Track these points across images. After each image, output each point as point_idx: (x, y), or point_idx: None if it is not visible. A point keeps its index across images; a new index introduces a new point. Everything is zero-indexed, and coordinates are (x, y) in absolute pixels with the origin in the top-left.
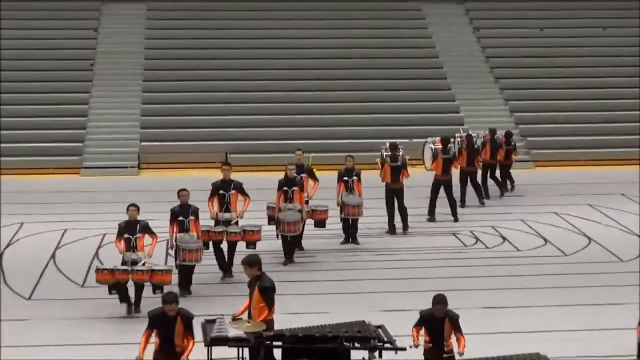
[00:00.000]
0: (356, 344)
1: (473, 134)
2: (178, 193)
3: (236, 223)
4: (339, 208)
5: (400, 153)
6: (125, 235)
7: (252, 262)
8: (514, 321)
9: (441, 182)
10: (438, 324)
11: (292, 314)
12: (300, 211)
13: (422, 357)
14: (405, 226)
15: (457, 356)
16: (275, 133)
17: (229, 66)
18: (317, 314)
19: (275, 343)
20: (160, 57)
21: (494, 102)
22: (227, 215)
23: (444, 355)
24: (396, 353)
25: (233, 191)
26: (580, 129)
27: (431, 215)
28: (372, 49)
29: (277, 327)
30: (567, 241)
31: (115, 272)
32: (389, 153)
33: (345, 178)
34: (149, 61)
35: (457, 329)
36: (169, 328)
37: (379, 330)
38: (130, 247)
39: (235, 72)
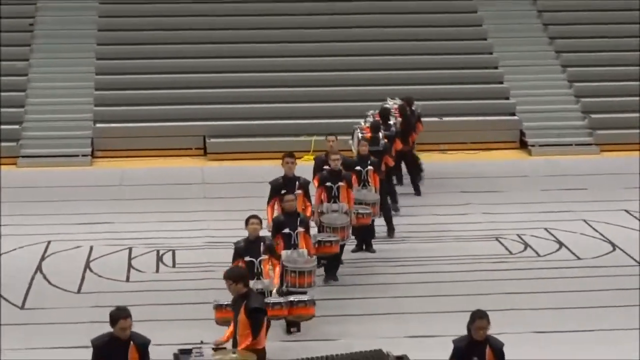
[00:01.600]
0: None
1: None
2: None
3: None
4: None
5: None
6: (247, 259)
7: (238, 277)
8: (576, 350)
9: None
10: (478, 352)
11: (293, 341)
12: (348, 213)
13: None
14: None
15: None
16: (268, 110)
17: (211, 24)
18: (325, 341)
19: None
20: (119, 13)
21: (548, 68)
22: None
23: None
24: None
25: (299, 191)
26: None
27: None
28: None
29: (271, 357)
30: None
31: None
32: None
33: (358, 168)
34: (105, 19)
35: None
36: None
37: None
38: (255, 273)
39: (218, 32)
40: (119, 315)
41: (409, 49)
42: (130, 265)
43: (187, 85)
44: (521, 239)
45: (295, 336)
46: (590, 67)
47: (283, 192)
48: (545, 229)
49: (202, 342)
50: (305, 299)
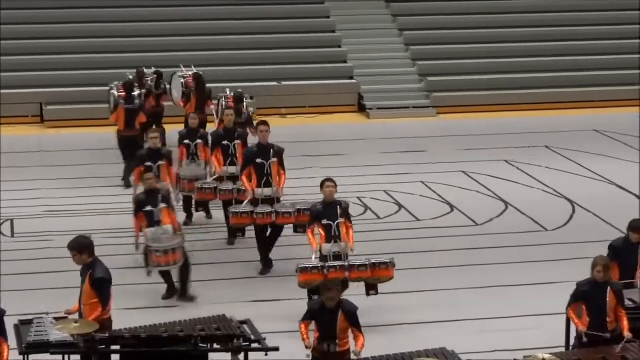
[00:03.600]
0: (215, 345)
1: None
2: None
3: (278, 200)
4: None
5: (245, 106)
6: (324, 222)
7: (82, 247)
8: (417, 309)
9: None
10: (330, 317)
11: (135, 309)
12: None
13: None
14: None
15: (352, 356)
16: (105, 77)
17: None
18: (166, 308)
19: (112, 347)
20: None
21: (385, 31)
22: (267, 190)
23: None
24: (266, 354)
25: (274, 159)
26: (493, 65)
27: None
28: None
29: (115, 326)
30: (479, 207)
31: (328, 270)
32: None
33: (187, 141)
34: None
35: (354, 324)
36: None
37: (244, 326)
38: (332, 236)
39: None
40: None
41: (244, 14)
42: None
43: (22, 52)
44: (361, 201)
45: (135, 303)
46: (426, 30)
47: (258, 160)
48: (385, 191)
49: (47, 313)
50: (387, 261)
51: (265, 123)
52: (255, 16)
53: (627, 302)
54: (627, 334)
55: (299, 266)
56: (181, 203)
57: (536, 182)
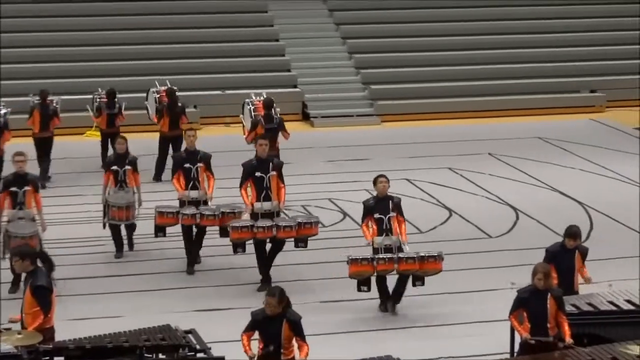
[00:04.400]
0: (160, 355)
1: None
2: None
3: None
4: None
5: (275, 110)
6: (376, 216)
7: (24, 254)
8: (362, 316)
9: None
10: (274, 327)
11: (79, 319)
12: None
13: None
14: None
15: None
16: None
17: None
18: (111, 318)
19: (55, 358)
20: None
21: (328, 40)
22: (266, 204)
23: None
24: None
25: (273, 172)
26: (436, 73)
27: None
28: None
29: (58, 337)
30: (423, 215)
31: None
32: None
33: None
34: None
35: (298, 334)
36: None
37: (189, 336)
38: (384, 229)
39: None
40: None
41: (188, 22)
42: None
43: None
44: (306, 210)
45: (78, 313)
46: (369, 38)
47: (257, 174)
48: (330, 199)
49: None
50: (435, 254)
51: (264, 137)
52: (199, 25)
53: (570, 308)
54: (568, 340)
55: (350, 257)
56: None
57: (480, 190)
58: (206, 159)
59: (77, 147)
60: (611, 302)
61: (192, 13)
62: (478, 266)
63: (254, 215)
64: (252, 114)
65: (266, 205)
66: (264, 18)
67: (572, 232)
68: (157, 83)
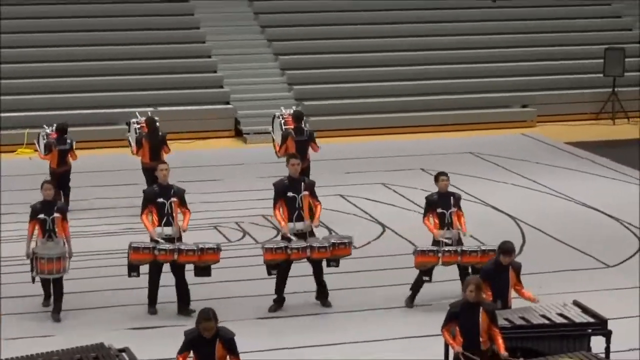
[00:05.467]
0: None
1: None
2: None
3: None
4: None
5: (305, 123)
6: (439, 210)
7: None
8: (287, 332)
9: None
10: (208, 346)
11: (11, 339)
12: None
13: None
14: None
15: None
16: None
17: None
18: (43, 337)
19: None
20: None
21: (261, 56)
22: (299, 224)
23: None
24: None
25: (306, 192)
26: (368, 89)
27: None
28: None
29: None
30: (357, 231)
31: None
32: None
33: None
34: None
35: (232, 352)
36: None
37: (123, 354)
38: (445, 223)
39: None
40: None
41: (119, 39)
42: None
43: None
44: (239, 226)
45: (17, 334)
46: (302, 54)
47: (289, 194)
48: (263, 215)
49: None
50: (493, 248)
51: (295, 156)
52: (130, 42)
53: (504, 322)
54: (503, 354)
55: (417, 249)
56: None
57: (413, 205)
58: (180, 193)
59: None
60: (544, 316)
61: (122, 30)
62: (411, 281)
63: (287, 236)
64: (282, 127)
65: (299, 225)
66: (196, 34)
67: (507, 249)
68: (137, 114)
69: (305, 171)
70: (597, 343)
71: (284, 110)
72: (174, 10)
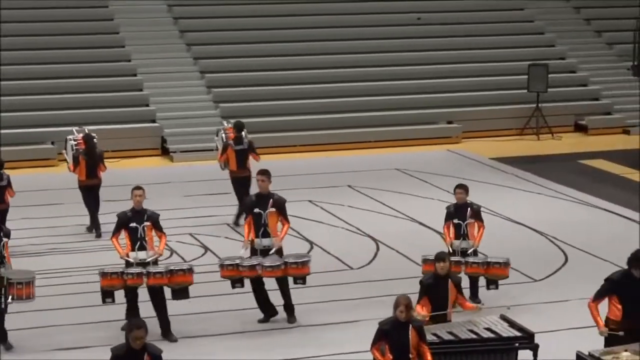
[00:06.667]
0: None
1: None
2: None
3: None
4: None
5: (245, 133)
6: (455, 221)
7: None
8: (218, 352)
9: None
10: None
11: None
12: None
13: None
14: None
15: None
16: None
17: None
18: None
19: None
20: None
21: (186, 74)
22: (265, 241)
23: None
24: None
25: (271, 209)
26: (295, 106)
27: None
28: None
29: None
30: (284, 248)
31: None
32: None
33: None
34: None
35: None
36: None
37: None
38: (461, 234)
39: None
40: None
41: (45, 58)
42: None
43: None
44: (167, 246)
45: None
46: (228, 72)
47: (256, 210)
48: (190, 234)
49: None
50: (501, 261)
51: (265, 172)
52: (56, 60)
53: (432, 338)
54: None
55: (424, 257)
56: None
57: (340, 221)
58: (154, 218)
59: None
60: (471, 331)
61: (46, 49)
62: (340, 298)
63: (254, 251)
64: (224, 139)
65: (265, 242)
66: (121, 53)
67: (442, 257)
68: (74, 130)
69: (247, 181)
70: (524, 357)
71: (226, 124)
72: (99, 29)
